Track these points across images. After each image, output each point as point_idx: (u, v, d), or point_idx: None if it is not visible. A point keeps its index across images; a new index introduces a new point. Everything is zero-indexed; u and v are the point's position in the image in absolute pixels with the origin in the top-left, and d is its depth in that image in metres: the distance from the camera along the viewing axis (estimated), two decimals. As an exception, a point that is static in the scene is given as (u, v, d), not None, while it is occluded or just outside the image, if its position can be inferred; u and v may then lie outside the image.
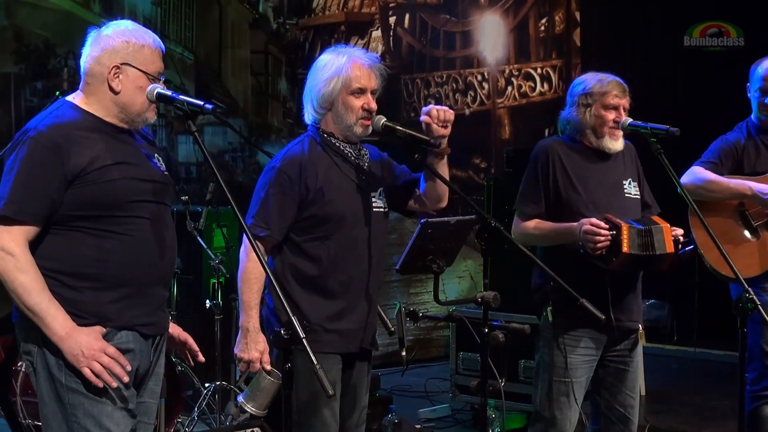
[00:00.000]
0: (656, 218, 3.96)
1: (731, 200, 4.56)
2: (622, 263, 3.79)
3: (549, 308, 3.95)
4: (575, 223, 3.85)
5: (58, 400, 2.92)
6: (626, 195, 4.05)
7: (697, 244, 4.40)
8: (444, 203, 3.72)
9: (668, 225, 3.88)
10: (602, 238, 3.76)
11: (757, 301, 3.58)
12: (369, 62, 3.54)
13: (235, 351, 3.48)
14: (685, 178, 4.51)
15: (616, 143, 3.99)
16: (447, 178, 3.57)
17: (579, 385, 3.99)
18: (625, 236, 3.74)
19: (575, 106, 4.02)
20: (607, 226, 3.78)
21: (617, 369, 4.05)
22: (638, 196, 4.11)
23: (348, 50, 3.57)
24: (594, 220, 3.80)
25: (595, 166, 4.02)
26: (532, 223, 3.99)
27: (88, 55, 3.02)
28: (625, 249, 3.74)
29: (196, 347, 3.28)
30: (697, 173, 4.55)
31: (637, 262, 3.85)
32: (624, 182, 4.07)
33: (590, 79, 4.04)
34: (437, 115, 3.47)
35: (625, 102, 3.99)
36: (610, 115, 3.95)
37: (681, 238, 3.88)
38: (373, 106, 3.53)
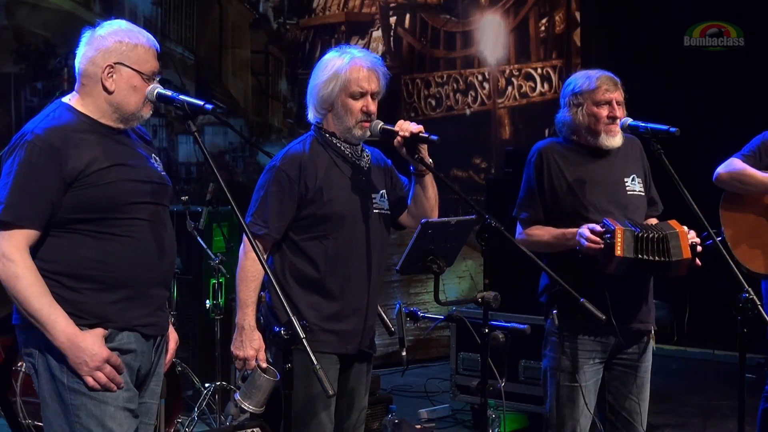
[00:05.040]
0: (673, 223, 3.79)
1: (764, 195, 4.55)
2: (617, 267, 3.68)
3: (555, 312, 3.83)
4: (573, 229, 3.77)
5: (61, 401, 2.92)
6: (628, 192, 3.93)
7: (726, 239, 4.38)
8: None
9: (684, 229, 3.74)
10: (593, 244, 3.67)
11: (757, 301, 3.57)
12: (370, 64, 3.51)
13: (231, 348, 3.49)
14: (721, 169, 4.58)
15: (613, 139, 3.88)
16: (435, 195, 3.59)
17: (588, 390, 3.87)
18: (619, 239, 3.63)
19: (568, 106, 3.96)
20: (601, 230, 3.68)
21: (623, 373, 3.93)
22: (642, 193, 3.97)
23: (350, 51, 3.55)
24: (590, 225, 3.72)
25: (593, 166, 3.91)
26: (531, 231, 3.89)
27: (82, 56, 3.02)
28: (618, 253, 3.63)
29: (170, 357, 3.26)
30: (732, 164, 4.58)
31: (641, 266, 3.71)
32: (626, 179, 3.94)
33: (579, 78, 3.97)
34: (401, 124, 3.45)
35: (617, 95, 3.88)
36: (603, 112, 3.85)
37: (699, 247, 3.75)
38: (372, 109, 3.50)
